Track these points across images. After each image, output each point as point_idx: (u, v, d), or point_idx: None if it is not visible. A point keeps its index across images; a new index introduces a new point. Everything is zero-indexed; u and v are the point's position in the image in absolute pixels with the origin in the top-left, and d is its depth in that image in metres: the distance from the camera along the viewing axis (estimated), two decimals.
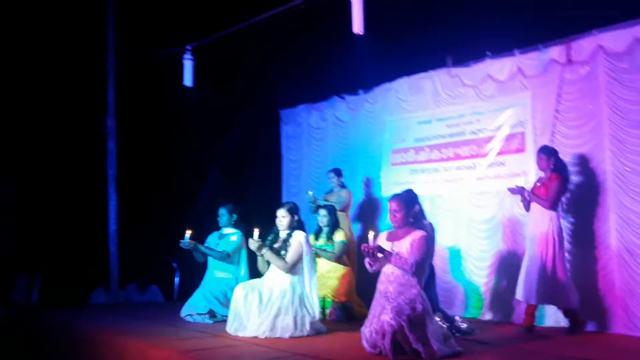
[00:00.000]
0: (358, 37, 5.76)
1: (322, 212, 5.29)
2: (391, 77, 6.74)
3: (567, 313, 4.58)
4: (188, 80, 5.24)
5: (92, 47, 6.30)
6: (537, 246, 4.50)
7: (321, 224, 5.30)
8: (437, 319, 4.17)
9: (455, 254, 5.78)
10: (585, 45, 5.10)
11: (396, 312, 3.22)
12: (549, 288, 4.41)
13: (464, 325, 4.26)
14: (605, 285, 4.76)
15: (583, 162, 5.06)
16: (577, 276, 4.86)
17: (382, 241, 3.67)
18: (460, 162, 5.93)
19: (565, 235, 4.98)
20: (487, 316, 5.39)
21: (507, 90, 5.68)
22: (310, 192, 5.91)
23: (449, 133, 6.12)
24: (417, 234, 3.52)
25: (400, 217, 3.59)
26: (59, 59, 6.10)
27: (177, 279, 6.23)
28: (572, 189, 5.07)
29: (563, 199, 5.05)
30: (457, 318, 4.34)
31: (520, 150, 5.47)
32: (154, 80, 6.32)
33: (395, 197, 3.70)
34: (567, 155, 5.14)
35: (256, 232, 4.08)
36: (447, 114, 6.17)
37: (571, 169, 5.11)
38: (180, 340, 3.62)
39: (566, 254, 4.90)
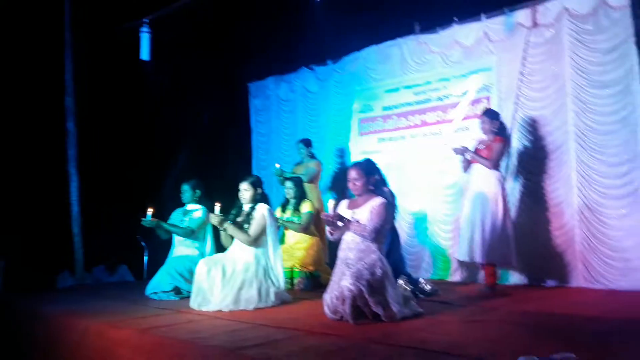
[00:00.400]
0: (318, 4, 5.64)
1: (288, 184, 5.23)
2: (360, 46, 6.67)
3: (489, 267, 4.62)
4: (145, 54, 5.05)
5: (48, 23, 6.02)
6: (487, 207, 4.54)
7: (288, 196, 5.25)
8: (402, 281, 4.24)
9: (422, 219, 5.83)
10: (551, 7, 5.13)
11: (355, 278, 3.22)
12: (500, 247, 4.49)
13: (428, 287, 4.31)
14: (565, 242, 4.90)
15: (546, 123, 5.11)
16: (539, 233, 4.99)
17: (343, 209, 3.64)
18: (427, 128, 5.91)
19: (528, 193, 5.08)
20: (455, 277, 5.49)
21: (473, 56, 5.68)
22: (277, 165, 5.83)
23: (416, 100, 6.10)
24: (377, 201, 3.49)
25: (360, 185, 3.56)
26: (12, 38, 5.82)
27: (146, 258, 6.14)
28: (536, 150, 5.14)
29: (526, 158, 5.14)
30: (421, 280, 4.38)
31: None
32: (114, 57, 6.09)
33: (355, 165, 3.66)
34: (530, 118, 5.19)
35: (217, 206, 4.02)
36: (414, 81, 6.15)
37: (534, 130, 5.17)
38: (141, 319, 3.55)
39: (517, 213, 5.05)
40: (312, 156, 6.13)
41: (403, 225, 6.03)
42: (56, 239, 5.87)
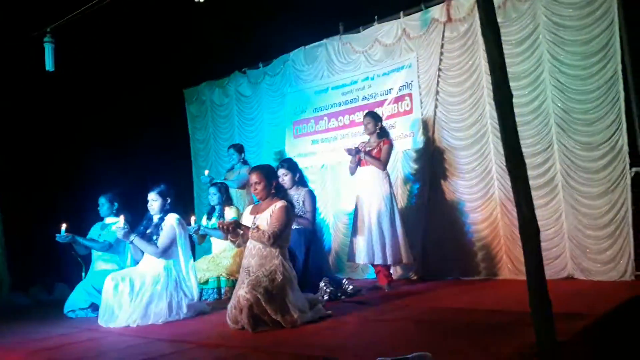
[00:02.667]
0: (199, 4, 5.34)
1: (212, 190, 5.16)
2: (289, 48, 6.66)
3: (387, 268, 4.66)
4: (50, 64, 4.86)
5: None
6: (381, 209, 4.57)
7: (212, 203, 5.17)
8: (322, 284, 4.22)
9: None
10: (464, 2, 5.18)
11: (252, 286, 3.18)
12: (395, 246, 4.53)
13: (350, 288, 4.33)
14: (490, 234, 4.96)
15: (465, 118, 5.15)
16: (464, 228, 5.03)
17: (246, 215, 3.60)
18: (355, 129, 5.91)
19: (452, 188, 5.17)
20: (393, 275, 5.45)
21: (393, 54, 5.71)
22: (206, 172, 5.74)
23: (344, 100, 6.11)
24: (277, 204, 3.46)
25: (261, 188, 3.53)
26: None
27: (83, 274, 5.99)
28: (456, 145, 5.18)
29: (447, 154, 5.18)
30: (344, 282, 4.38)
31: (409, 112, 5.50)
32: (27, 68, 5.85)
33: (255, 169, 3.63)
34: (450, 112, 5.24)
35: (121, 219, 3.93)
36: (341, 81, 6.16)
37: (455, 125, 5.22)
38: (40, 340, 3.44)
39: (441, 209, 5.11)
40: (245, 162, 6.06)
41: (340, 225, 6.02)
42: None
